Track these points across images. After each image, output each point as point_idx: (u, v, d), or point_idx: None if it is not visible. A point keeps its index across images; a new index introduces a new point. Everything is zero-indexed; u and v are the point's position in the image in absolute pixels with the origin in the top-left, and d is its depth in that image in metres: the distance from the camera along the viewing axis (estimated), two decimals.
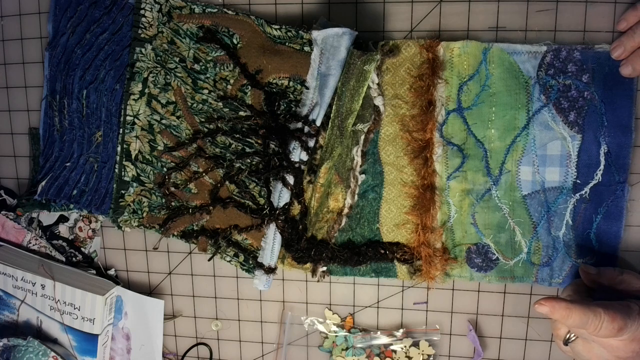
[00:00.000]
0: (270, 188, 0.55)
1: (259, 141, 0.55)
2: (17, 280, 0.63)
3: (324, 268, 0.58)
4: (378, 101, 0.53)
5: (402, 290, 0.59)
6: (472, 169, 0.53)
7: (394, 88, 0.54)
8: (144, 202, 0.60)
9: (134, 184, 0.59)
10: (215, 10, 0.55)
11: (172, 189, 0.59)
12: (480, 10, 0.52)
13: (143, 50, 0.57)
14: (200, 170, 0.57)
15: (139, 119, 0.59)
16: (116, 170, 0.60)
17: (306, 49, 0.53)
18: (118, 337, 0.65)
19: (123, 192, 0.60)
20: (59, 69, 0.60)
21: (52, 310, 0.62)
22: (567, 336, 0.48)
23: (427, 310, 0.59)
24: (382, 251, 0.56)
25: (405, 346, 0.59)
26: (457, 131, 0.53)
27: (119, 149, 0.59)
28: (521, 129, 0.52)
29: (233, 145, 0.57)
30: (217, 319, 0.65)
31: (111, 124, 0.60)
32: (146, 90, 0.58)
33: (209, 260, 0.59)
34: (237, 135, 0.56)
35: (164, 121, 0.58)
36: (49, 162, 0.62)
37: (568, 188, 0.52)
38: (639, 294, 0.47)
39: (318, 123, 0.53)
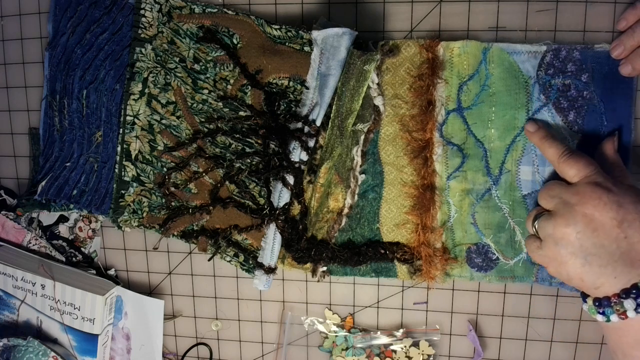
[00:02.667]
0: (270, 188, 0.55)
1: (259, 141, 0.55)
2: (17, 280, 0.63)
3: (324, 268, 0.58)
4: (378, 101, 0.53)
5: (402, 290, 0.59)
6: (472, 169, 0.53)
7: (393, 88, 0.54)
8: (144, 202, 0.60)
9: (134, 184, 0.59)
10: (215, 10, 0.55)
11: (172, 189, 0.59)
12: (480, 10, 0.52)
13: (143, 50, 0.57)
14: (200, 170, 0.57)
15: (139, 119, 0.59)
16: (116, 170, 0.60)
17: (306, 49, 0.53)
18: (118, 337, 0.65)
19: (123, 192, 0.60)
20: (59, 69, 0.60)
21: (52, 310, 0.62)
22: (538, 213, 0.47)
23: (427, 310, 0.59)
24: (382, 251, 0.56)
25: (405, 346, 0.59)
26: (457, 131, 0.53)
27: (119, 149, 0.59)
28: (521, 129, 0.52)
29: (233, 145, 0.57)
30: (217, 319, 0.65)
31: (111, 124, 0.60)
32: (146, 90, 0.58)
33: (209, 260, 0.59)
34: (237, 135, 0.56)
35: (164, 121, 0.58)
36: (49, 162, 0.62)
37: None
38: None
39: (318, 123, 0.53)
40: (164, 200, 0.59)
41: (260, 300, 0.63)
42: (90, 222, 0.65)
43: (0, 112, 0.65)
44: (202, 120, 0.57)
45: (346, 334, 0.61)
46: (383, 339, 0.60)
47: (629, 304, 0.41)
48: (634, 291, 0.41)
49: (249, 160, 0.56)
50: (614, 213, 0.42)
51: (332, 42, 0.51)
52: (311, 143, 0.54)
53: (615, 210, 0.42)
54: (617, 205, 0.42)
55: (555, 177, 0.49)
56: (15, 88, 0.64)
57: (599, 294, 0.43)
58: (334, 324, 0.61)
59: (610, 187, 0.42)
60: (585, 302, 0.45)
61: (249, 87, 0.55)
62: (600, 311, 0.43)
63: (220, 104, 0.56)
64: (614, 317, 0.42)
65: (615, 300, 0.42)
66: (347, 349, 0.61)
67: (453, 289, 0.58)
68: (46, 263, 0.64)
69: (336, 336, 0.61)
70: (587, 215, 0.42)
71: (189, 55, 0.57)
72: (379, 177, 0.55)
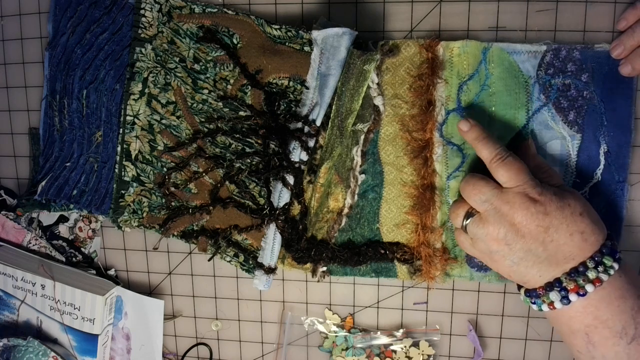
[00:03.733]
0: (270, 188, 0.55)
1: (259, 141, 0.55)
2: (17, 280, 0.63)
3: (324, 268, 0.58)
4: (378, 101, 0.53)
5: (402, 291, 0.59)
6: (472, 169, 0.53)
7: (393, 88, 0.54)
8: (144, 202, 0.60)
9: (134, 184, 0.59)
10: (215, 10, 0.55)
11: (172, 189, 0.59)
12: (480, 10, 0.52)
13: (143, 50, 0.57)
14: (200, 170, 0.57)
15: (139, 119, 0.59)
16: (116, 170, 0.60)
17: (306, 49, 0.53)
18: (118, 337, 0.65)
19: (123, 192, 0.60)
20: (59, 69, 0.60)
21: (52, 310, 0.62)
22: (467, 212, 0.48)
23: (427, 310, 0.59)
24: (382, 251, 0.56)
25: (405, 346, 0.59)
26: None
27: (119, 149, 0.59)
28: (521, 129, 0.52)
29: (233, 145, 0.57)
30: (217, 319, 0.65)
31: (111, 124, 0.60)
32: (146, 90, 0.58)
33: (209, 260, 0.59)
34: (237, 135, 0.56)
35: (164, 121, 0.58)
36: (49, 162, 0.62)
37: None
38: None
39: (318, 123, 0.53)
40: (164, 200, 0.59)
41: (260, 300, 0.63)
42: (90, 222, 0.65)
43: (0, 112, 0.65)
44: (202, 120, 0.57)
45: (346, 334, 0.61)
46: (383, 339, 0.60)
47: (554, 295, 0.45)
48: (557, 284, 0.45)
49: (249, 160, 0.56)
50: (539, 221, 0.44)
51: (332, 42, 0.51)
52: (311, 143, 0.54)
53: (542, 218, 0.44)
54: (543, 214, 0.44)
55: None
56: (15, 88, 0.64)
57: (528, 286, 0.48)
58: (334, 324, 0.61)
59: (537, 197, 0.45)
60: (519, 291, 0.50)
61: (249, 87, 0.55)
62: (532, 301, 0.47)
63: (220, 104, 0.56)
64: (544, 307, 0.46)
65: (541, 292, 0.46)
66: (347, 349, 0.61)
67: (453, 289, 0.58)
68: (46, 263, 0.64)
69: (336, 336, 0.61)
70: (515, 225, 0.45)
71: (189, 55, 0.57)
72: (379, 177, 0.55)
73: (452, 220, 0.51)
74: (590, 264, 0.44)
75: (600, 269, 0.44)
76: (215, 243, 0.58)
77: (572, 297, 0.44)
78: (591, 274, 0.44)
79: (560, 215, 0.44)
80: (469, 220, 0.48)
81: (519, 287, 0.49)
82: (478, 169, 0.52)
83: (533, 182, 0.46)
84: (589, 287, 0.44)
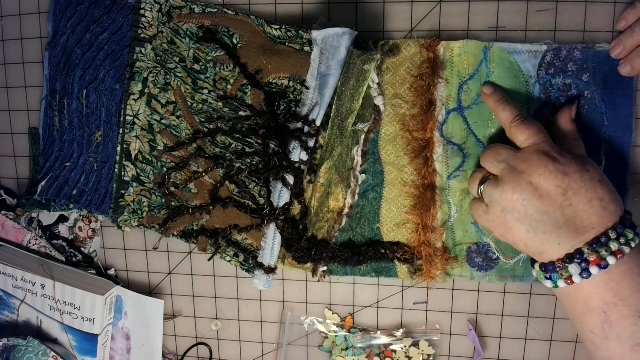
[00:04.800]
0: (270, 188, 0.55)
1: (259, 141, 0.55)
2: (17, 280, 0.63)
3: (325, 268, 0.58)
4: (378, 101, 0.53)
5: (402, 290, 0.59)
6: (472, 169, 0.53)
7: (394, 88, 0.54)
8: (144, 202, 0.60)
9: (134, 184, 0.59)
10: (215, 10, 0.55)
11: (172, 189, 0.59)
12: (480, 10, 0.52)
13: (143, 50, 0.57)
14: (200, 170, 0.57)
15: (139, 119, 0.59)
16: (116, 170, 0.60)
17: (306, 49, 0.53)
18: (118, 337, 0.65)
19: (123, 192, 0.60)
20: (59, 69, 0.60)
21: (52, 310, 0.62)
22: (483, 177, 0.48)
23: (427, 310, 0.59)
24: (383, 251, 0.56)
25: (405, 346, 0.59)
26: (458, 131, 0.53)
27: (119, 149, 0.59)
28: None
29: (233, 145, 0.57)
30: (217, 319, 0.65)
31: (111, 124, 0.60)
32: (146, 90, 0.58)
33: (209, 260, 0.59)
34: (237, 135, 0.56)
35: (164, 121, 0.58)
36: (49, 162, 0.62)
37: None
38: None
39: (318, 123, 0.53)
40: (164, 200, 0.59)
41: (260, 300, 0.63)
42: (90, 222, 0.65)
43: (0, 112, 0.65)
44: (202, 120, 0.57)
45: (346, 334, 0.61)
46: (383, 339, 0.60)
47: (574, 268, 0.43)
48: (578, 256, 0.42)
49: (249, 160, 0.56)
50: (559, 181, 0.43)
51: (332, 42, 0.51)
52: (311, 143, 0.54)
53: (561, 178, 0.43)
54: (562, 174, 0.43)
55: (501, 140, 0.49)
56: (15, 88, 0.64)
57: (545, 259, 0.45)
58: (334, 324, 0.61)
59: (557, 156, 0.44)
60: (534, 267, 0.47)
61: (249, 87, 0.55)
62: (548, 276, 0.45)
63: (220, 104, 0.56)
64: (561, 283, 0.44)
65: (560, 265, 0.43)
66: (347, 349, 0.61)
67: (453, 289, 0.58)
68: (46, 263, 0.64)
69: (336, 336, 0.61)
70: (533, 184, 0.43)
71: (189, 55, 0.57)
72: (379, 177, 0.55)
73: (470, 189, 0.50)
74: (613, 235, 0.42)
75: (622, 240, 0.42)
76: (215, 243, 0.58)
77: (594, 270, 0.42)
78: (613, 246, 0.42)
79: (580, 179, 0.43)
80: (484, 185, 0.47)
81: (533, 263, 0.47)
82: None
83: (552, 143, 0.45)
84: (610, 260, 0.41)
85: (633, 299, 0.42)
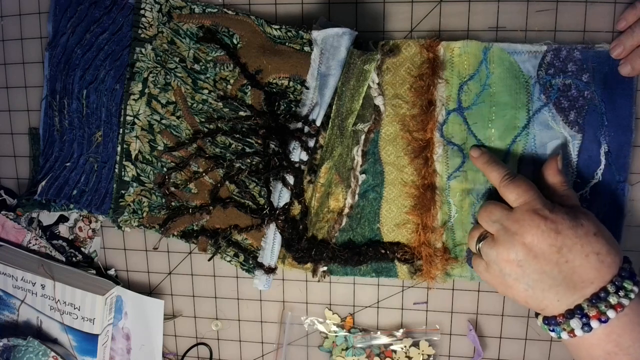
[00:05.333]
0: (270, 188, 0.55)
1: (259, 141, 0.55)
2: (17, 280, 0.63)
3: (325, 268, 0.58)
4: (378, 101, 0.53)
5: (402, 290, 0.59)
6: (472, 169, 0.53)
7: (394, 88, 0.54)
8: (144, 202, 0.60)
9: (134, 184, 0.59)
10: (215, 10, 0.55)
11: (172, 189, 0.59)
12: (480, 10, 0.52)
13: (143, 50, 0.57)
14: (200, 170, 0.57)
15: (139, 119, 0.59)
16: (116, 170, 0.60)
17: (306, 49, 0.53)
18: (118, 337, 0.65)
19: (123, 192, 0.60)
20: (59, 69, 0.60)
21: (52, 310, 0.62)
22: (481, 235, 0.48)
23: (427, 310, 0.59)
24: (383, 251, 0.56)
25: (405, 346, 0.59)
26: (458, 131, 0.53)
27: (119, 149, 0.59)
28: (521, 129, 0.52)
29: (233, 145, 0.57)
30: (217, 319, 0.65)
31: (111, 124, 0.60)
32: (146, 90, 0.58)
33: (209, 260, 0.59)
34: (237, 135, 0.56)
35: (164, 121, 0.58)
36: (49, 162, 0.62)
37: None
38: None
39: (318, 123, 0.53)
40: (164, 200, 0.59)
41: (260, 300, 0.63)
42: (90, 222, 0.65)
43: (0, 112, 0.65)
44: (202, 120, 0.57)
45: (346, 334, 0.61)
46: (383, 339, 0.60)
47: (575, 323, 0.43)
48: (578, 311, 0.43)
49: (249, 160, 0.56)
50: (552, 240, 0.43)
51: (332, 42, 0.51)
52: (311, 143, 0.54)
53: (554, 237, 0.43)
54: (554, 232, 0.43)
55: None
56: (15, 88, 0.64)
57: (546, 313, 0.46)
58: (334, 324, 0.61)
59: (548, 214, 0.44)
60: (537, 318, 0.48)
61: (249, 87, 0.55)
62: (551, 329, 0.46)
63: (220, 104, 0.56)
64: (564, 335, 0.45)
65: (561, 320, 0.44)
66: (347, 349, 0.61)
67: (453, 289, 0.58)
68: (46, 263, 0.64)
69: (336, 336, 0.61)
70: (526, 244, 0.44)
71: (189, 55, 0.57)
72: (379, 177, 0.55)
73: (469, 244, 0.51)
74: (611, 289, 0.42)
75: (622, 293, 0.42)
76: (215, 243, 0.58)
77: (594, 323, 0.43)
78: (613, 299, 0.42)
79: (574, 235, 0.43)
80: (481, 243, 0.48)
81: (537, 314, 0.48)
82: (479, 171, 0.52)
83: (542, 200, 0.45)
84: (610, 313, 0.42)
85: (633, 348, 0.43)
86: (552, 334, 0.46)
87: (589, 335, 0.43)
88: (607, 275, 0.43)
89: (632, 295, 0.42)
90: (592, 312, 0.43)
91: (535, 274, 0.44)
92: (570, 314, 0.44)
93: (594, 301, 0.43)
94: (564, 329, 0.44)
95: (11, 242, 0.66)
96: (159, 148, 0.59)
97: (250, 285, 0.60)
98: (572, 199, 0.47)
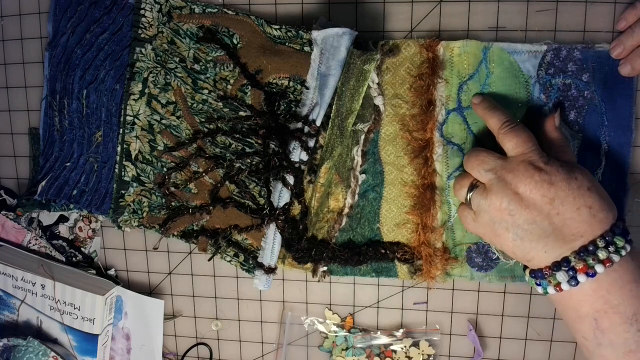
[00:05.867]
0: (270, 188, 0.55)
1: (259, 141, 0.55)
2: (17, 280, 0.63)
3: (325, 268, 0.58)
4: (378, 101, 0.53)
5: (402, 290, 0.59)
6: None
7: (394, 88, 0.54)
8: (144, 202, 0.60)
9: (134, 184, 0.59)
10: (215, 10, 0.55)
11: (172, 189, 0.59)
12: (480, 10, 0.52)
13: (143, 50, 0.57)
14: (200, 170, 0.57)
15: (139, 119, 0.59)
16: (116, 170, 0.60)
17: (306, 49, 0.53)
18: (118, 337, 0.65)
19: (123, 192, 0.60)
20: (59, 69, 0.60)
21: (52, 310, 0.62)
22: (471, 184, 0.48)
23: (427, 310, 0.59)
24: (383, 251, 0.56)
25: (405, 346, 0.59)
26: (457, 130, 0.53)
27: (119, 149, 0.59)
28: None
29: (233, 145, 0.57)
30: (217, 319, 0.65)
31: (111, 124, 0.60)
32: (146, 90, 0.58)
33: (209, 260, 0.59)
34: (237, 135, 0.56)
35: (164, 121, 0.58)
36: (49, 162, 0.62)
37: None
38: None
39: (318, 123, 0.53)
40: (164, 200, 0.59)
41: (260, 300, 0.63)
42: (90, 222, 0.65)
43: (0, 112, 0.65)
44: (202, 120, 0.57)
45: (346, 334, 0.61)
46: (383, 339, 0.60)
47: (561, 276, 0.43)
48: (565, 264, 0.43)
49: (249, 160, 0.56)
50: (544, 191, 0.43)
51: (332, 42, 0.51)
52: (311, 143, 0.54)
53: (547, 188, 0.43)
54: (548, 183, 0.43)
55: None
56: (15, 88, 0.64)
57: (533, 266, 0.45)
58: (334, 324, 0.61)
59: (543, 166, 0.44)
60: (524, 272, 0.47)
61: (249, 87, 0.55)
62: (537, 282, 0.45)
63: (220, 104, 0.56)
64: (550, 289, 0.44)
65: (547, 273, 0.44)
66: (347, 349, 0.61)
67: (453, 289, 0.58)
68: (46, 263, 0.64)
69: (336, 336, 0.61)
70: (519, 194, 0.44)
71: (189, 55, 0.57)
72: (379, 177, 0.55)
73: (455, 194, 0.50)
74: (601, 243, 0.42)
75: (612, 249, 0.42)
76: (215, 243, 0.58)
77: (581, 277, 0.42)
78: (601, 254, 0.42)
79: (567, 187, 0.43)
80: (472, 192, 0.47)
81: (525, 268, 0.48)
82: None
83: (539, 152, 0.45)
84: (598, 268, 0.42)
85: (623, 306, 0.42)
86: (539, 289, 0.45)
87: (576, 290, 0.43)
88: (598, 230, 0.42)
89: (623, 252, 0.42)
90: (579, 265, 0.42)
91: (525, 223, 0.44)
92: (556, 266, 0.43)
93: (581, 254, 0.42)
94: (550, 282, 0.44)
95: (11, 242, 0.66)
96: (159, 148, 0.59)
97: (250, 285, 0.60)
98: (569, 154, 0.47)
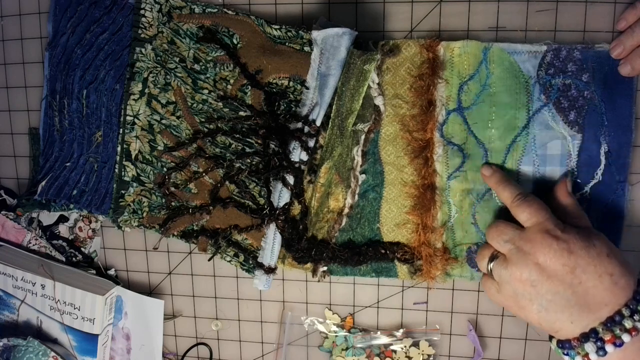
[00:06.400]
0: (270, 188, 0.55)
1: (259, 141, 0.55)
2: (17, 280, 0.63)
3: (325, 268, 0.58)
4: (378, 101, 0.53)
5: (402, 290, 0.59)
6: (472, 169, 0.53)
7: (394, 88, 0.54)
8: (144, 202, 0.60)
9: (134, 184, 0.59)
10: (215, 10, 0.55)
11: (172, 189, 0.59)
12: (480, 10, 0.52)
13: (143, 50, 0.57)
14: (200, 170, 0.57)
15: (139, 119, 0.59)
16: (116, 170, 0.60)
17: (306, 49, 0.53)
18: (118, 337, 0.65)
19: (123, 192, 0.60)
20: (59, 69, 0.60)
21: (52, 310, 0.62)
22: (492, 255, 0.48)
23: (427, 310, 0.59)
24: (383, 251, 0.56)
25: (405, 346, 0.59)
26: (458, 131, 0.53)
27: (119, 149, 0.59)
28: (521, 129, 0.52)
29: (233, 145, 0.57)
30: (217, 319, 0.65)
31: (111, 124, 0.60)
32: (146, 90, 0.58)
33: (209, 260, 0.59)
34: (237, 135, 0.56)
35: (164, 121, 0.58)
36: (49, 162, 0.62)
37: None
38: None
39: (318, 123, 0.53)
40: (164, 200, 0.59)
41: (260, 300, 0.63)
42: (90, 222, 0.65)
43: (0, 112, 0.65)
44: (202, 120, 0.57)
45: (346, 334, 0.61)
46: (383, 339, 0.60)
47: (590, 347, 0.43)
48: (593, 335, 0.43)
49: (249, 160, 0.56)
50: (565, 260, 0.43)
51: (332, 42, 0.51)
52: (311, 143, 0.54)
53: (567, 257, 0.43)
54: (567, 252, 0.43)
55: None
56: (15, 88, 0.64)
57: (560, 336, 0.45)
58: (334, 324, 0.61)
59: (560, 234, 0.44)
60: (551, 341, 0.47)
61: (249, 87, 0.55)
62: (565, 352, 0.45)
63: (220, 104, 0.56)
64: (578, 359, 0.44)
65: (576, 344, 0.44)
66: (347, 349, 0.61)
67: (453, 289, 0.58)
68: (46, 263, 0.64)
69: (336, 336, 0.61)
70: (539, 264, 0.44)
71: (189, 55, 0.57)
72: (379, 177, 0.55)
73: (478, 264, 0.50)
74: (626, 312, 0.42)
75: (636, 317, 0.42)
76: (215, 243, 0.58)
77: (609, 348, 0.42)
78: (627, 323, 0.42)
79: (587, 255, 0.43)
80: (493, 263, 0.47)
81: (550, 337, 0.47)
82: (479, 171, 0.52)
83: (554, 220, 0.45)
84: (625, 337, 0.42)
85: None
86: (566, 358, 0.45)
87: (604, 359, 0.43)
88: (622, 297, 0.42)
89: None
90: (607, 336, 0.42)
91: (548, 294, 0.43)
92: (584, 337, 0.43)
93: (609, 325, 0.42)
94: (579, 353, 0.44)
95: (11, 242, 0.66)
96: (159, 148, 0.59)
97: (250, 285, 0.60)
98: (585, 220, 0.47)
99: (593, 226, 0.48)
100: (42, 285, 0.62)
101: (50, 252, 0.65)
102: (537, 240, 0.44)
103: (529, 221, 0.46)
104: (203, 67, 0.56)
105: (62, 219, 0.65)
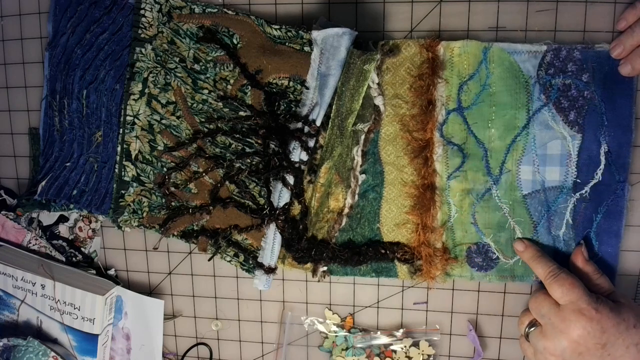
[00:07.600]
0: (270, 188, 0.55)
1: (259, 141, 0.55)
2: (17, 280, 0.63)
3: (325, 268, 0.58)
4: (378, 101, 0.53)
5: (402, 290, 0.59)
6: (472, 169, 0.53)
7: (394, 88, 0.54)
8: (144, 202, 0.60)
9: (134, 184, 0.59)
10: (215, 10, 0.55)
11: (172, 189, 0.59)
12: (480, 10, 0.52)
13: (143, 50, 0.57)
14: (200, 170, 0.57)
15: (139, 119, 0.59)
16: (116, 170, 0.60)
17: (306, 49, 0.53)
18: (118, 337, 0.65)
19: (123, 192, 0.60)
20: (59, 69, 0.60)
21: (52, 310, 0.62)
22: (531, 322, 0.50)
23: (427, 310, 0.59)
24: (383, 251, 0.56)
25: (405, 346, 0.59)
26: (457, 131, 0.53)
27: (119, 149, 0.59)
28: (521, 129, 0.52)
29: (233, 145, 0.57)
30: (217, 319, 0.65)
31: (111, 124, 0.60)
32: (146, 90, 0.58)
33: (209, 260, 0.59)
34: (237, 135, 0.56)
35: (164, 121, 0.58)
36: (49, 162, 0.62)
37: (568, 187, 0.52)
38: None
39: (318, 123, 0.53)
40: (164, 200, 0.59)
41: (260, 300, 0.63)
42: (90, 222, 0.65)
43: (0, 112, 0.65)
44: (202, 120, 0.57)
45: (346, 334, 0.61)
46: (383, 339, 0.60)
47: None
48: None
49: (249, 160, 0.56)
50: (597, 339, 0.46)
51: (332, 42, 0.51)
52: (311, 143, 0.54)
53: (599, 336, 0.46)
54: (600, 332, 0.46)
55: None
56: (15, 88, 0.64)
57: None
58: (334, 324, 0.61)
59: (594, 315, 0.46)
60: None
61: (249, 87, 0.55)
62: None
63: (220, 104, 0.56)
64: None
65: None
66: (347, 349, 0.61)
67: (453, 289, 0.58)
68: (46, 263, 0.64)
69: (336, 336, 0.61)
70: (573, 342, 0.46)
71: (189, 55, 0.57)
72: (379, 177, 0.55)
73: (518, 328, 0.53)
74: None
75: None
76: (215, 243, 0.58)
77: None
78: None
79: (617, 332, 0.45)
80: (531, 330, 0.50)
81: None
82: (479, 171, 0.52)
83: (588, 298, 0.46)
84: None
85: None
86: None
87: None
88: None
89: None
90: None
91: None
92: None
93: None
94: None
95: (11, 242, 0.66)
96: (159, 148, 0.59)
97: (250, 285, 0.60)
98: (607, 284, 0.50)
99: (593, 226, 0.48)
100: (42, 285, 0.62)
101: (50, 252, 0.65)
102: (572, 321, 0.46)
103: (562, 299, 0.48)
104: (203, 67, 0.56)
105: (62, 219, 0.65)
